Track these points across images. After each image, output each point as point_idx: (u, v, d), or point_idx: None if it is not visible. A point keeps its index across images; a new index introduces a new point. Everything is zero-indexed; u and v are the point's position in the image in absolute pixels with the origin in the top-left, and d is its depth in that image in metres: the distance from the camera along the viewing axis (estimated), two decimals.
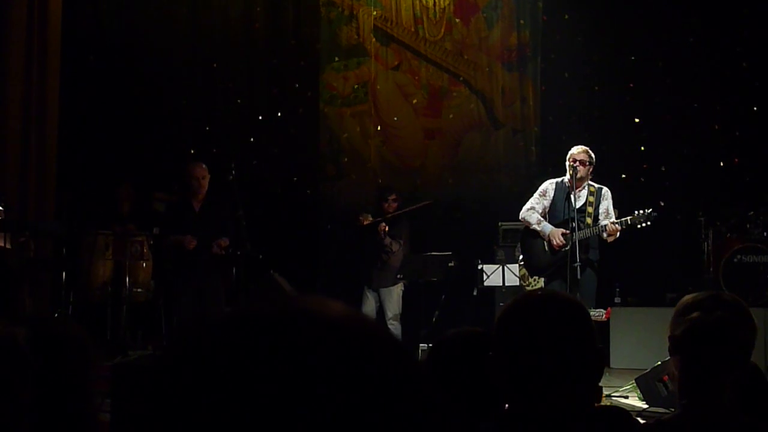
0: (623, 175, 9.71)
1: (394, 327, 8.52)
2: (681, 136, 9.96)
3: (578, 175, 7.00)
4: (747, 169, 9.70)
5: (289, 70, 10.79)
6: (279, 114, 10.70)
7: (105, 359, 6.47)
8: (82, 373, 1.67)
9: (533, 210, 7.28)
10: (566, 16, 10.27)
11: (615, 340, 8.56)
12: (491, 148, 10.66)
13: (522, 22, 10.57)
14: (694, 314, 2.18)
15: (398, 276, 8.67)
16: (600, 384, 1.90)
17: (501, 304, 8.51)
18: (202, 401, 0.65)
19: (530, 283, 8.88)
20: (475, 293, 8.94)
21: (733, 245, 8.90)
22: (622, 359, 8.36)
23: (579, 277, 6.79)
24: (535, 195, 7.38)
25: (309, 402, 0.64)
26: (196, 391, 0.65)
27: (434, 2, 10.68)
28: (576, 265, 6.77)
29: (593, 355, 1.81)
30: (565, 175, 7.16)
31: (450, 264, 8.72)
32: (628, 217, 6.89)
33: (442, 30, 10.72)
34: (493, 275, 8.67)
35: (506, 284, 8.64)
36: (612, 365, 8.32)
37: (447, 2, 10.67)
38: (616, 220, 6.91)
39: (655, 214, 6.85)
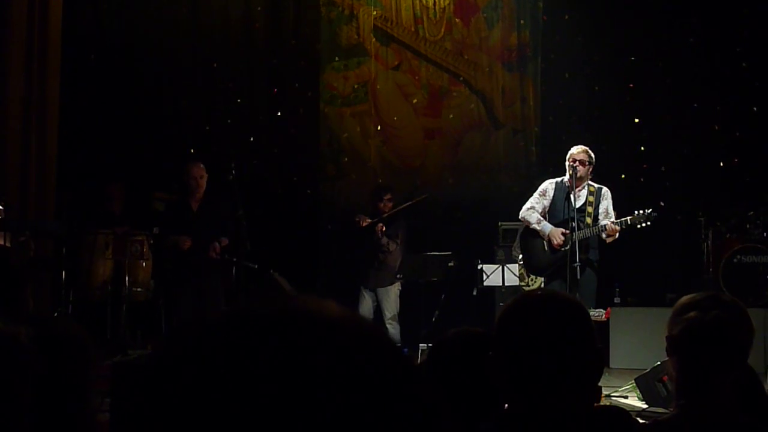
0: (623, 175, 9.71)
1: (393, 327, 8.51)
2: (681, 137, 9.97)
3: (578, 175, 7.00)
4: (747, 169, 9.70)
5: (289, 69, 10.78)
6: (279, 114, 10.70)
7: (105, 358, 6.46)
8: (82, 372, 1.67)
9: (533, 209, 7.28)
10: (566, 17, 10.27)
11: (615, 340, 8.56)
12: (491, 148, 10.66)
13: (522, 22, 10.57)
14: (692, 314, 2.19)
15: (398, 276, 8.67)
16: (599, 384, 1.90)
17: (501, 304, 8.51)
18: (199, 400, 0.65)
19: (528, 282, 8.87)
20: (474, 293, 8.94)
21: (733, 245, 8.90)
22: (622, 359, 8.36)
23: (579, 277, 6.79)
24: (535, 195, 7.38)
25: (306, 402, 0.64)
26: (193, 391, 0.65)
27: (434, 2, 10.68)
28: (576, 265, 6.77)
29: (593, 355, 1.81)
30: (564, 175, 7.16)
31: (450, 264, 8.72)
32: (628, 217, 6.89)
33: (442, 30, 10.72)
34: (493, 275, 8.67)
35: (506, 284, 8.64)
36: (612, 365, 8.32)
37: (447, 2, 10.67)
38: (615, 221, 6.91)
39: (655, 214, 6.85)
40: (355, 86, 10.81)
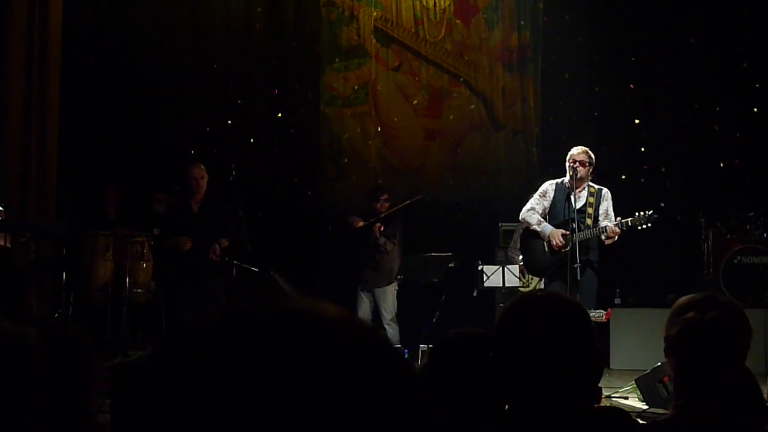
0: (623, 176, 9.72)
1: (392, 328, 8.50)
2: (681, 137, 9.97)
3: (578, 176, 7.00)
4: (747, 170, 9.70)
5: (289, 71, 10.78)
6: (279, 115, 10.70)
7: (105, 360, 6.47)
8: (82, 373, 1.67)
9: (533, 210, 7.28)
10: (567, 17, 10.28)
11: (615, 341, 8.56)
12: (492, 148, 10.66)
13: (522, 23, 10.57)
14: (690, 314, 2.19)
15: (398, 277, 8.67)
16: (600, 385, 1.90)
17: (501, 305, 8.51)
18: (198, 400, 0.65)
19: (525, 282, 8.86)
20: (475, 294, 8.93)
21: (733, 246, 8.90)
22: (623, 360, 8.36)
23: (579, 278, 6.79)
24: (535, 196, 7.38)
25: (303, 402, 0.64)
26: (192, 391, 0.66)
27: (434, 3, 10.68)
28: (576, 266, 6.77)
29: (592, 356, 1.81)
30: (565, 175, 7.16)
31: (450, 265, 8.72)
32: (629, 219, 6.89)
33: (443, 31, 10.72)
34: (494, 276, 8.67)
35: (506, 285, 8.64)
36: (612, 366, 8.32)
37: (447, 3, 10.67)
38: (616, 222, 6.90)
39: (655, 215, 6.85)
40: (356, 87, 10.81)
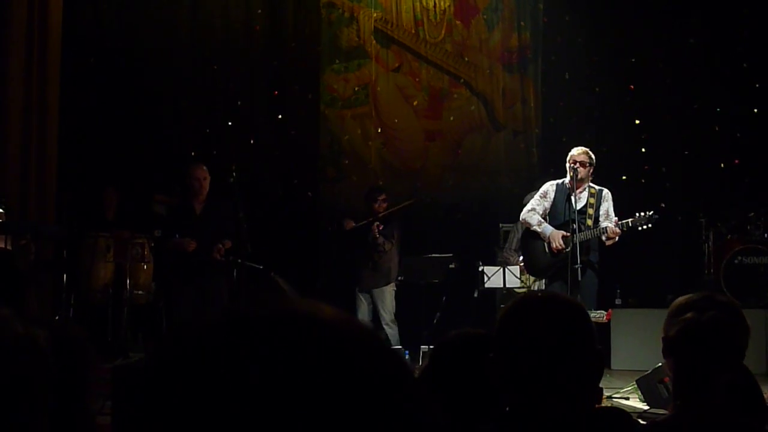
0: (624, 177, 9.71)
1: (392, 329, 8.49)
2: (681, 138, 9.97)
3: (578, 177, 7.00)
4: (747, 170, 9.70)
5: (289, 72, 10.79)
6: (279, 116, 10.71)
7: (105, 361, 6.47)
8: (83, 375, 1.67)
9: (534, 211, 7.28)
10: (567, 18, 10.28)
11: (616, 342, 8.56)
12: (492, 149, 10.66)
13: (522, 23, 10.57)
14: (688, 315, 2.19)
15: (399, 278, 8.67)
16: (601, 385, 1.90)
17: (502, 305, 8.51)
18: (197, 401, 0.65)
19: (525, 279, 8.85)
20: (475, 295, 8.93)
21: (734, 246, 8.90)
22: (623, 360, 8.36)
23: (580, 278, 6.78)
24: (536, 196, 7.38)
25: (301, 403, 0.64)
26: (191, 391, 0.66)
27: (434, 4, 10.68)
28: (577, 266, 6.77)
29: (593, 356, 1.81)
30: (565, 176, 7.16)
31: (451, 266, 8.73)
32: (629, 220, 6.89)
33: (443, 32, 10.72)
34: (494, 277, 8.67)
35: (507, 286, 8.64)
36: (613, 366, 8.32)
37: (447, 4, 10.67)
38: (617, 223, 6.90)
39: (656, 216, 6.85)
40: (356, 88, 10.81)
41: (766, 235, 8.90)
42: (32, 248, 7.89)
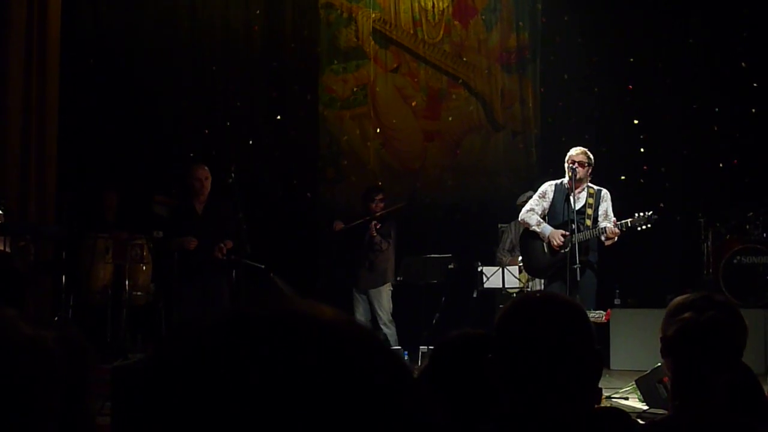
0: (623, 177, 9.72)
1: (389, 329, 8.49)
2: (680, 138, 9.97)
3: (577, 176, 7.00)
4: (746, 170, 9.69)
5: (288, 72, 10.80)
6: (278, 117, 10.71)
7: (105, 362, 6.47)
8: (82, 376, 1.67)
9: (533, 212, 7.29)
10: (565, 18, 10.27)
11: (615, 342, 8.56)
12: (491, 150, 10.66)
13: (521, 24, 10.57)
14: (686, 315, 2.19)
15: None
16: (600, 385, 1.90)
17: (501, 306, 8.51)
18: (197, 402, 0.65)
19: (522, 277, 8.85)
20: (475, 295, 8.94)
21: (733, 246, 8.90)
22: (623, 361, 8.36)
23: (579, 278, 6.78)
24: (535, 197, 7.38)
25: (300, 404, 0.64)
26: (191, 392, 0.66)
27: (433, 4, 10.69)
28: (576, 266, 6.77)
29: (592, 356, 1.81)
30: (564, 176, 7.16)
31: (450, 266, 8.73)
32: (628, 220, 6.89)
33: (441, 32, 10.72)
34: (493, 277, 8.68)
35: (506, 286, 8.65)
36: (612, 367, 8.32)
37: (446, 4, 10.67)
38: (616, 223, 6.90)
39: (655, 216, 6.85)
40: (354, 89, 10.82)
41: (765, 234, 8.90)
42: (31, 249, 7.90)
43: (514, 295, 8.69)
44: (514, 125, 10.60)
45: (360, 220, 8.62)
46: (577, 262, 6.77)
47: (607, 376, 7.52)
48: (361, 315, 8.46)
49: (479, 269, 8.85)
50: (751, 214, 8.98)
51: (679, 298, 2.28)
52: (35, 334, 1.22)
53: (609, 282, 8.39)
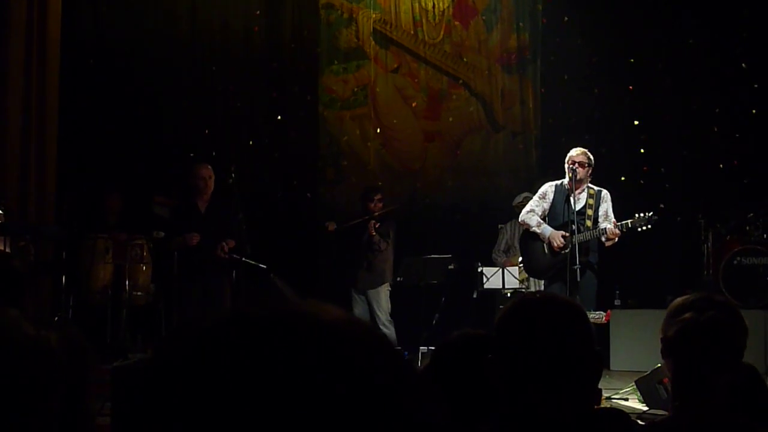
0: (623, 178, 9.71)
1: (388, 329, 8.49)
2: (680, 138, 9.97)
3: (577, 177, 7.00)
4: (746, 170, 9.69)
5: (288, 73, 10.79)
6: (279, 117, 10.71)
7: (105, 362, 6.46)
8: (82, 376, 1.67)
9: (533, 212, 7.29)
10: (566, 19, 10.27)
11: (615, 343, 8.56)
12: (491, 150, 10.66)
13: (521, 24, 10.56)
14: (686, 315, 2.19)
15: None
16: (600, 386, 1.90)
17: (501, 306, 8.51)
18: (198, 402, 0.65)
19: (521, 276, 8.85)
20: (475, 296, 8.93)
21: (733, 247, 8.90)
22: (623, 361, 8.36)
23: (579, 279, 6.78)
24: (535, 198, 7.39)
25: (304, 403, 0.64)
26: (193, 392, 0.66)
27: (433, 5, 10.68)
28: (576, 267, 6.77)
29: (592, 357, 1.81)
30: (564, 177, 7.16)
31: (450, 266, 8.72)
32: (629, 221, 6.89)
33: (442, 33, 10.72)
34: (493, 278, 8.68)
35: (506, 287, 8.65)
36: (612, 367, 8.32)
37: (446, 5, 10.67)
38: (617, 223, 6.90)
39: (655, 217, 6.85)
40: (355, 89, 10.81)
41: (765, 235, 8.90)
42: (31, 249, 7.90)
43: (509, 295, 8.71)
44: (514, 126, 10.60)
45: (358, 220, 8.62)
46: (578, 262, 6.78)
47: (607, 376, 7.52)
48: (359, 315, 8.45)
49: (479, 270, 8.85)
50: (751, 214, 8.97)
51: (679, 299, 2.28)
52: (38, 334, 1.22)
53: (609, 283, 8.39)
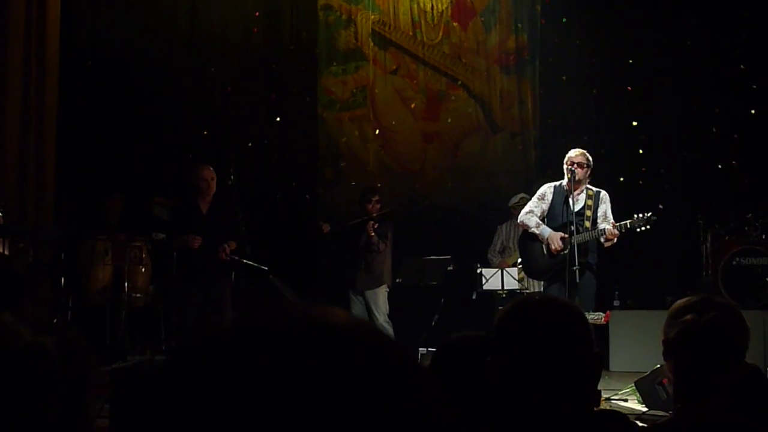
0: (622, 178, 9.71)
1: (386, 330, 8.48)
2: (679, 139, 9.97)
3: (576, 178, 7.00)
4: (745, 171, 9.69)
5: (287, 74, 10.79)
6: (278, 119, 10.70)
7: (104, 364, 6.46)
8: (81, 378, 1.67)
9: (532, 213, 7.28)
10: (564, 20, 10.28)
11: (614, 343, 8.55)
12: (490, 151, 10.66)
13: (520, 25, 10.57)
14: (688, 317, 2.19)
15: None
16: (599, 387, 1.90)
17: (500, 307, 8.50)
18: (210, 411, 0.65)
19: (521, 278, 8.85)
20: (474, 297, 8.93)
21: (732, 248, 8.90)
22: (622, 362, 8.36)
23: (578, 280, 6.78)
24: (534, 198, 7.38)
25: (311, 410, 0.64)
26: (204, 401, 0.66)
27: (432, 6, 10.69)
28: (575, 268, 6.77)
29: (591, 359, 1.81)
30: (563, 178, 7.16)
31: (449, 268, 8.72)
32: (628, 221, 6.89)
33: (440, 34, 10.73)
34: (492, 279, 8.68)
35: (505, 288, 8.65)
36: (611, 368, 8.31)
37: (445, 6, 10.67)
38: (616, 224, 6.90)
39: (654, 218, 6.85)
40: (354, 91, 10.82)
41: (764, 236, 8.90)
42: (30, 251, 7.90)
43: (504, 296, 8.71)
44: (513, 127, 10.60)
45: (356, 221, 8.62)
46: (577, 263, 6.78)
47: (607, 377, 7.52)
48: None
49: (478, 271, 8.85)
50: (750, 215, 8.98)
51: (680, 301, 2.28)
52: (34, 339, 1.22)
53: (608, 283, 8.40)
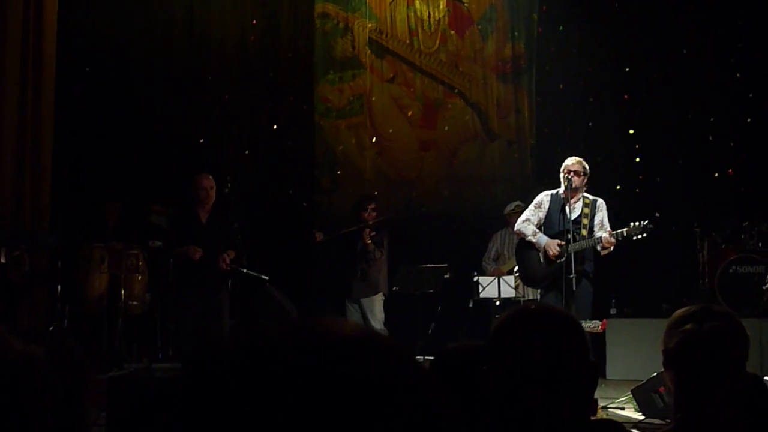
0: (618, 187, 9.72)
1: None
2: (676, 147, 9.99)
3: (573, 186, 7.00)
4: (741, 179, 9.71)
5: (284, 82, 10.80)
6: (274, 127, 10.70)
7: (100, 372, 6.45)
8: (77, 386, 1.66)
9: (528, 222, 7.28)
10: (561, 28, 10.30)
11: (611, 352, 8.55)
12: (486, 159, 10.67)
13: (516, 34, 10.59)
14: (687, 326, 2.19)
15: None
16: (596, 396, 1.90)
17: (497, 316, 8.50)
18: (233, 424, 0.66)
19: (517, 285, 8.85)
20: (470, 305, 8.93)
21: (728, 256, 8.91)
22: (618, 370, 8.35)
23: (574, 288, 6.78)
24: (530, 207, 7.38)
25: (323, 422, 0.64)
26: (227, 415, 0.66)
27: (429, 14, 10.70)
28: (571, 276, 6.77)
29: (586, 368, 1.81)
30: (560, 186, 7.16)
31: (446, 276, 8.72)
32: (624, 229, 6.89)
33: (437, 42, 10.74)
34: (489, 287, 8.68)
35: (502, 296, 8.64)
36: (608, 376, 8.31)
37: (442, 14, 10.69)
38: (612, 232, 6.90)
39: (651, 226, 6.85)
40: (351, 99, 10.82)
41: (760, 244, 8.91)
42: (26, 259, 7.88)
43: (497, 303, 8.71)
44: (509, 135, 10.61)
45: (351, 229, 8.62)
46: (573, 272, 6.78)
47: (603, 385, 7.51)
48: None
49: (475, 279, 8.85)
50: (746, 223, 8.99)
51: (680, 311, 2.28)
52: (25, 349, 1.21)
53: (605, 292, 8.39)
